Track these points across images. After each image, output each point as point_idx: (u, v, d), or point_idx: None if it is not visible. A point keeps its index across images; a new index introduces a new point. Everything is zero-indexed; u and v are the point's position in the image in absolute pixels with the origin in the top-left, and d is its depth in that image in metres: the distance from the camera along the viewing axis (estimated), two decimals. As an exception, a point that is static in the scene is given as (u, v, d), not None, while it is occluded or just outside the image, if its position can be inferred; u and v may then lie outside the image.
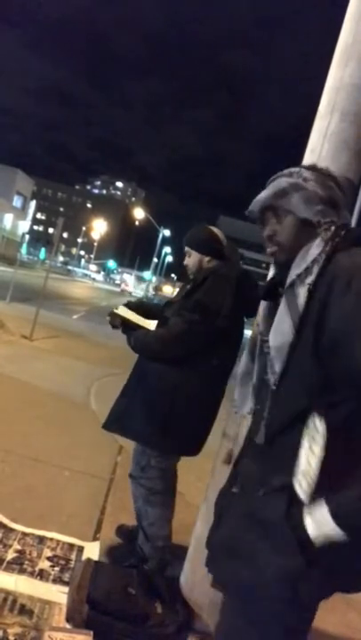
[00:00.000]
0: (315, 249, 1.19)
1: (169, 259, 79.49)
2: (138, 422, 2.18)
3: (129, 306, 2.41)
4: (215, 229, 2.35)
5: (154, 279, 62.63)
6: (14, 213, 46.14)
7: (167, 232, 52.89)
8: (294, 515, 1.07)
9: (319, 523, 1.03)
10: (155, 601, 1.99)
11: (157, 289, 61.44)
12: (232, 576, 1.20)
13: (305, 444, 1.09)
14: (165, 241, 58.08)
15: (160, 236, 49.57)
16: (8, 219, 44.91)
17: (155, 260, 56.13)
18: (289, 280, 1.20)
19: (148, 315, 2.35)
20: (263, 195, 1.31)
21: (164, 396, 2.13)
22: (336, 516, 1.01)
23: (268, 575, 1.09)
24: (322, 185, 1.26)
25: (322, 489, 1.05)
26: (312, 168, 1.30)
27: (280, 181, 1.29)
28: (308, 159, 2.11)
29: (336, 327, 1.08)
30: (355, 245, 1.19)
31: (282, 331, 1.18)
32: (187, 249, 2.32)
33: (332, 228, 1.21)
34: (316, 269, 1.16)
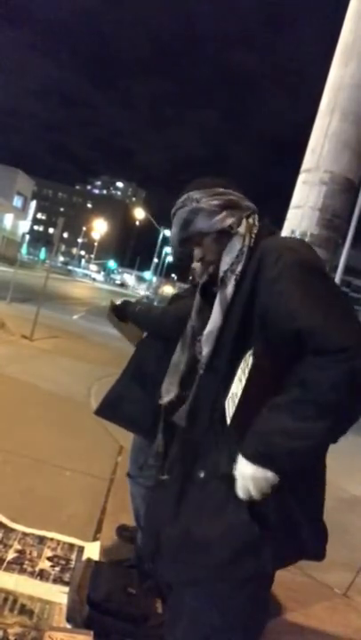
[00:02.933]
0: (237, 243, 1.30)
1: (169, 259, 79.47)
2: (131, 409, 2.19)
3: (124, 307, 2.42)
4: None
5: (154, 279, 62.57)
6: (15, 213, 46.13)
7: (168, 232, 52.85)
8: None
9: (240, 470, 1.16)
10: (155, 601, 1.99)
11: (157, 288, 61.62)
12: (189, 571, 1.26)
13: (239, 372, 1.22)
14: (166, 241, 58.02)
15: (160, 236, 49.52)
16: (8, 219, 44.92)
17: (155, 260, 56.12)
18: (220, 276, 1.31)
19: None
20: (173, 232, 1.42)
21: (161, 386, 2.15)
22: (245, 453, 1.15)
23: (225, 559, 1.19)
24: (212, 197, 1.35)
25: (244, 416, 1.17)
26: (196, 187, 1.39)
27: (179, 214, 1.38)
28: (308, 159, 2.11)
29: (265, 299, 1.20)
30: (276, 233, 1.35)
31: (213, 320, 1.30)
32: None
33: (244, 220, 1.32)
34: (243, 259, 1.28)
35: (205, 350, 1.31)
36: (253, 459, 1.14)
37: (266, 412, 1.14)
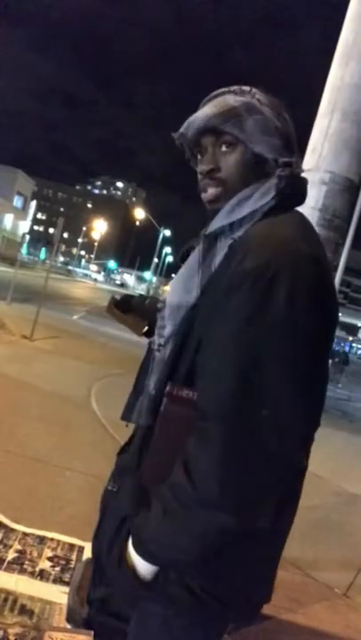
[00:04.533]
0: (261, 197, 0.92)
1: (169, 259, 79.49)
2: None
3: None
4: None
5: (154, 279, 62.60)
6: (15, 214, 46.16)
7: (168, 232, 52.91)
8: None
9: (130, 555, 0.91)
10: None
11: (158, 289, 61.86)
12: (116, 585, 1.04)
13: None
14: (166, 241, 58.10)
15: (160, 236, 49.56)
16: (8, 219, 44.93)
17: (155, 260, 56.11)
18: (215, 226, 0.94)
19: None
20: (203, 113, 0.95)
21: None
22: (136, 546, 0.89)
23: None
24: (277, 114, 0.96)
25: (152, 472, 0.93)
26: (264, 91, 0.99)
27: (226, 98, 0.96)
28: (308, 159, 2.11)
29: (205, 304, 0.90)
30: (295, 206, 0.96)
31: (185, 288, 0.95)
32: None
33: (289, 176, 0.93)
34: (247, 225, 0.91)
35: (167, 330, 1.00)
36: (134, 547, 0.90)
37: (154, 506, 0.88)
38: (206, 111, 0.95)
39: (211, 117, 0.93)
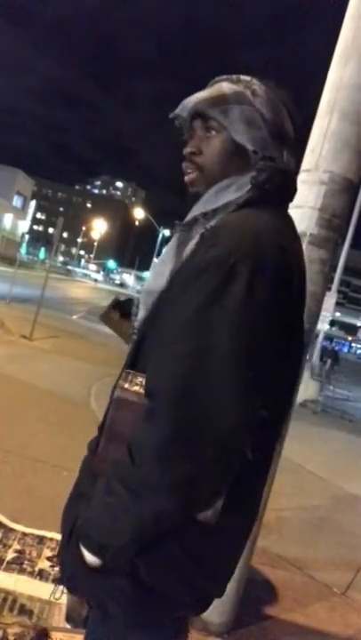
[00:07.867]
0: (235, 190, 0.91)
1: (169, 259, 79.33)
2: None
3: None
4: None
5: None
6: (14, 213, 46.15)
7: (167, 232, 52.91)
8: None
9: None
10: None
11: None
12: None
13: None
14: (165, 241, 58.05)
15: (160, 236, 49.60)
16: (8, 219, 44.92)
17: (155, 260, 56.11)
18: (190, 216, 0.95)
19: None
20: (197, 96, 0.96)
21: None
22: (78, 535, 0.86)
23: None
24: (272, 107, 0.93)
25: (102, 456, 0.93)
26: (266, 84, 0.96)
27: (222, 85, 0.95)
28: (308, 159, 2.10)
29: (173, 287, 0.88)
30: (277, 203, 0.93)
31: (158, 273, 0.95)
32: None
33: (268, 170, 0.90)
34: (221, 215, 0.89)
35: (141, 313, 1.02)
36: (78, 537, 0.87)
37: (98, 486, 0.85)
38: (200, 95, 0.96)
39: (201, 101, 0.94)
